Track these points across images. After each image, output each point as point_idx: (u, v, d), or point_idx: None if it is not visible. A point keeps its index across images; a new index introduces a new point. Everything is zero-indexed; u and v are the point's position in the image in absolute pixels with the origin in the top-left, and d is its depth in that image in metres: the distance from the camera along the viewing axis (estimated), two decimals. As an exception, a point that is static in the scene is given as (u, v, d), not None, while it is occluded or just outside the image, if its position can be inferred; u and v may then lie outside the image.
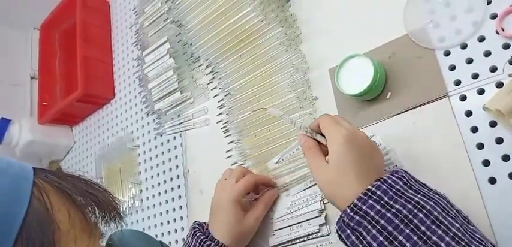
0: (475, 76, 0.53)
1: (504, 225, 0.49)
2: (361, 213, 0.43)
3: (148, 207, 0.94)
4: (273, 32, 0.73)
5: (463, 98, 0.54)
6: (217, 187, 0.69)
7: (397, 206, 0.42)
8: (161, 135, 0.94)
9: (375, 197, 0.43)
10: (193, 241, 0.63)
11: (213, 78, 0.83)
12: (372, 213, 0.42)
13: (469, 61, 0.54)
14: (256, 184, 0.69)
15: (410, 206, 0.41)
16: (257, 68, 0.74)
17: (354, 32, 0.66)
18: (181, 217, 0.85)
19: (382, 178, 0.44)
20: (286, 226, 0.67)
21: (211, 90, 0.84)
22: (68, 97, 1.09)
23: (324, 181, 0.49)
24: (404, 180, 0.44)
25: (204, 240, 0.62)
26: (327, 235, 0.63)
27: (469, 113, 0.53)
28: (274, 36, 0.72)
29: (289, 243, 0.67)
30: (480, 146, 0.52)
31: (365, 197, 0.43)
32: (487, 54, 0.53)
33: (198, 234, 0.64)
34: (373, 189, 0.44)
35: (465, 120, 0.53)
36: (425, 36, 0.58)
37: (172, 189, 0.89)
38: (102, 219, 0.39)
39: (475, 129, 0.52)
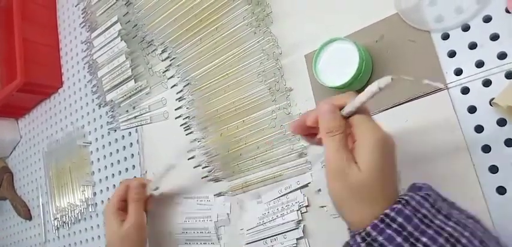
0: (480, 64, 0.44)
1: (515, 243, 0.41)
2: (376, 245, 0.33)
3: (103, 212, 0.82)
4: (238, 11, 0.61)
5: (465, 91, 0.45)
6: None
7: (425, 239, 0.31)
8: (115, 131, 0.82)
9: (394, 226, 0.32)
10: None
11: (170, 65, 0.71)
12: None
13: (473, 46, 0.45)
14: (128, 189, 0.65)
15: (441, 240, 0.31)
16: (221, 53, 0.63)
17: (335, 10, 0.55)
18: (140, 225, 0.75)
19: (403, 199, 0.34)
20: (259, 239, 0.58)
21: (169, 79, 0.72)
22: (8, 87, 0.95)
23: (344, 188, 0.36)
24: (431, 200, 0.34)
25: None
26: (306, 249, 0.55)
27: (472, 109, 0.44)
28: (240, 15, 0.61)
29: (263, 258, 0.58)
30: (486, 149, 0.43)
31: (382, 225, 0.33)
32: (495, 37, 0.44)
33: None
34: (392, 214, 0.33)
35: (468, 118, 0.44)
36: (419, 16, 0.48)
37: (129, 192, 0.78)
38: None
39: (480, 129, 0.44)
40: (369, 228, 0.33)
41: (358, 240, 0.34)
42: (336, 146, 0.37)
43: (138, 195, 0.63)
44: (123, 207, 0.63)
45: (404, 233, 0.32)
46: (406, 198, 0.34)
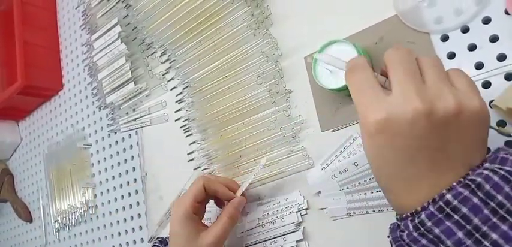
0: (479, 66, 0.44)
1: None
2: (430, 236, 0.27)
3: (104, 214, 0.82)
4: (237, 13, 0.61)
5: (465, 93, 0.45)
6: None
7: (495, 237, 0.25)
8: (115, 133, 0.82)
9: (456, 218, 0.26)
10: None
11: (170, 67, 0.71)
12: (449, 243, 0.26)
13: (472, 47, 0.45)
14: (212, 190, 0.54)
15: None
16: (220, 55, 0.63)
17: (334, 12, 0.55)
18: (141, 227, 0.75)
19: (475, 181, 0.26)
20: (258, 242, 0.58)
21: (168, 81, 0.72)
22: (8, 89, 0.95)
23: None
24: None
25: None
26: (306, 252, 0.54)
27: (472, 111, 0.44)
28: (239, 17, 0.61)
29: (262, 261, 0.58)
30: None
31: (440, 215, 0.27)
32: (494, 39, 0.44)
33: None
34: (455, 202, 0.26)
35: (467, 119, 0.44)
36: (419, 17, 0.48)
37: (130, 194, 0.78)
38: None
39: (479, 130, 0.44)
40: (423, 216, 0.27)
41: (410, 226, 0.28)
42: (358, 92, 0.34)
43: (237, 215, 0.53)
44: (196, 210, 0.53)
45: (468, 227, 0.26)
46: (479, 180, 0.26)
